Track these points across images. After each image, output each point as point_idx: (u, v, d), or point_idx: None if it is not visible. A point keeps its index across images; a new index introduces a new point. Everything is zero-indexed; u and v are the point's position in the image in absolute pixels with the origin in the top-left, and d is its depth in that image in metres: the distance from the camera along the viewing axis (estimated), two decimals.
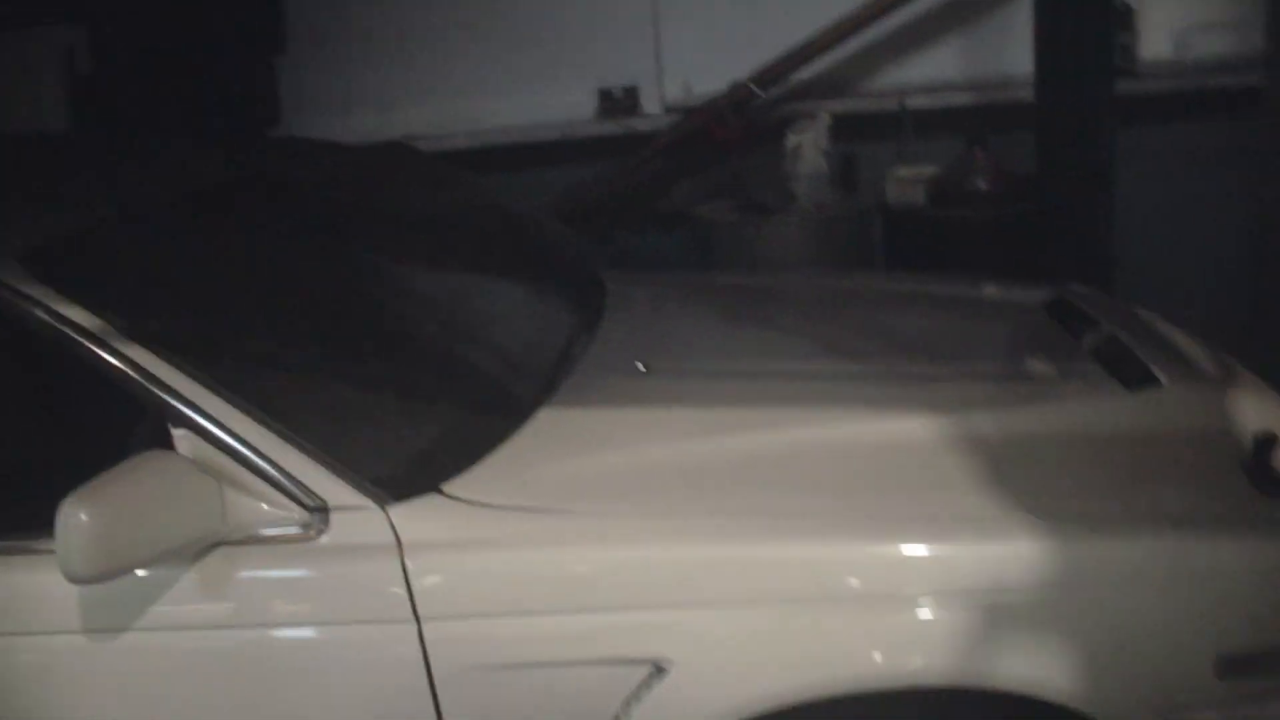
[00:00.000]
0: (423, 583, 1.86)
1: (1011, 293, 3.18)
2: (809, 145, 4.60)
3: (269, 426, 1.91)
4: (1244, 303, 4.17)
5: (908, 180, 4.72)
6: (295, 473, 1.90)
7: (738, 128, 4.95)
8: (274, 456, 1.89)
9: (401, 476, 1.96)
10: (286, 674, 1.92)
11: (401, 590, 1.85)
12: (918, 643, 1.85)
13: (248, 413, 1.91)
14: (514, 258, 3.06)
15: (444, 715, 1.88)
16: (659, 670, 1.84)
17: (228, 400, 1.90)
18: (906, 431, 2.18)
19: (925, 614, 1.85)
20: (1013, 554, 1.86)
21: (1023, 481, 2.02)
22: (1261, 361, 3.88)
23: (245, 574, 1.89)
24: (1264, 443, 2.12)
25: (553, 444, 2.14)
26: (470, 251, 2.93)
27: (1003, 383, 2.50)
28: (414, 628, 1.85)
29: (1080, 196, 4.07)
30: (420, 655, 1.86)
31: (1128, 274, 4.40)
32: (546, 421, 2.22)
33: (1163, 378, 2.42)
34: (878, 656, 1.85)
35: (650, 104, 5.29)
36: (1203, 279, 4.64)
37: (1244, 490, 2.05)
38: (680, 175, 5.36)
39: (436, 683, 1.87)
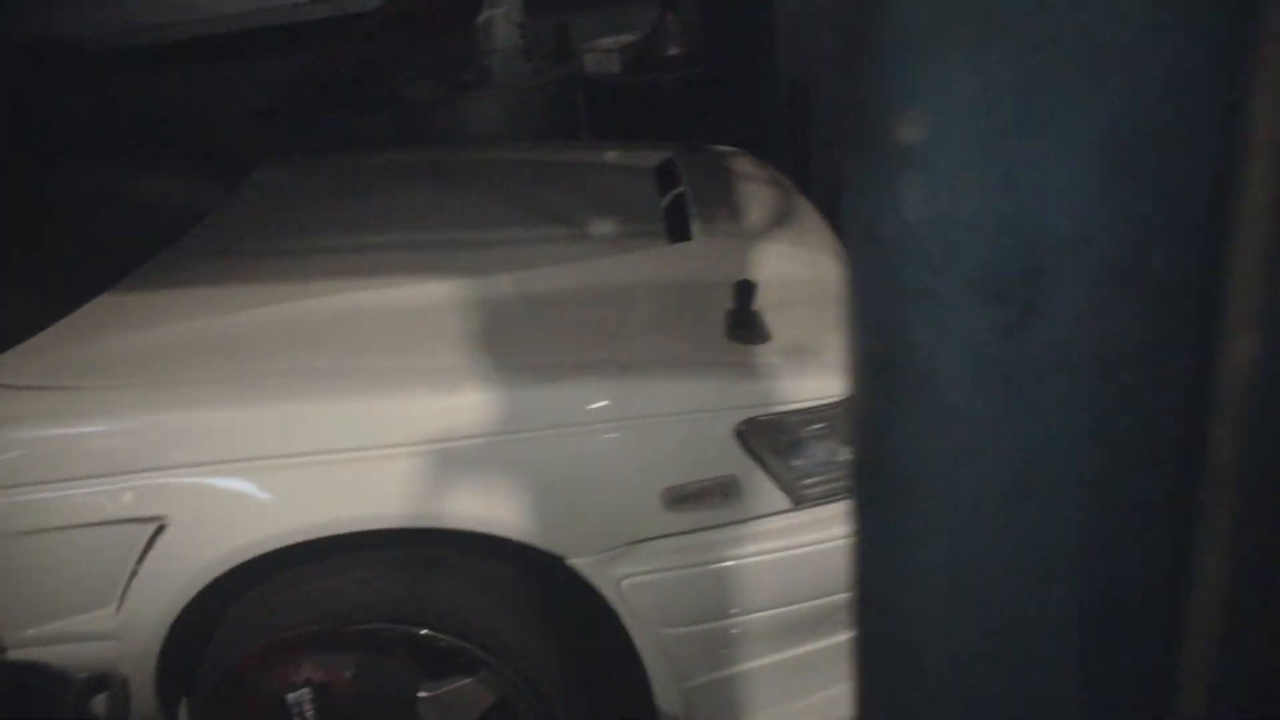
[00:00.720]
0: None
1: (631, 156, 3.36)
2: (500, 19, 4.69)
3: None
4: None
5: (604, 49, 4.85)
6: None
7: (441, 5, 5.00)
8: None
9: None
10: None
11: None
12: (377, 490, 2.04)
13: None
14: (132, 154, 3.16)
15: None
16: (161, 527, 2.05)
17: None
18: (424, 296, 2.35)
19: (384, 464, 2.03)
20: (462, 404, 2.05)
21: (508, 337, 2.20)
22: None
23: None
24: (742, 290, 2.23)
25: (94, 327, 2.30)
26: (80, 149, 3.02)
27: (556, 244, 2.64)
28: None
29: (745, 55, 4.25)
30: None
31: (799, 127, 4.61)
32: (101, 306, 2.38)
33: (696, 232, 2.64)
34: (343, 504, 2.05)
35: None
36: None
37: (716, 337, 2.20)
38: (398, 57, 5.40)
39: None
